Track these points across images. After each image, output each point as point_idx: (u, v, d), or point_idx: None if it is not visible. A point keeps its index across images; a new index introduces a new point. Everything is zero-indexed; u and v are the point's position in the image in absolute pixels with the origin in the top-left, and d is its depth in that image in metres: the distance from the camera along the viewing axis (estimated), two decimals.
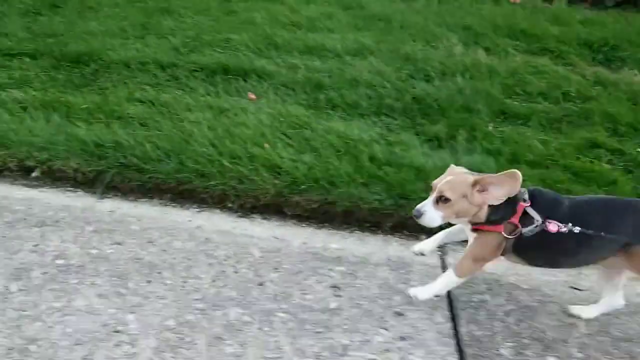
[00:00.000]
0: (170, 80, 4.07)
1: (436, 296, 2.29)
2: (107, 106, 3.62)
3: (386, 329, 2.17)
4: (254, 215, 3.09)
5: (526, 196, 2.16)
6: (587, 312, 2.33)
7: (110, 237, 2.72)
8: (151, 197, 3.22)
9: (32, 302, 2.18)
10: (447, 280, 2.25)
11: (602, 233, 2.05)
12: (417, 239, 2.91)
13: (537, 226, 2.09)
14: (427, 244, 2.46)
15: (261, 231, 2.89)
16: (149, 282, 2.36)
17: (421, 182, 3.03)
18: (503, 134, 3.54)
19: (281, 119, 3.54)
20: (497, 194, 2.10)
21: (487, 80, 4.09)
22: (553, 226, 2.07)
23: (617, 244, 2.08)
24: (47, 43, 4.64)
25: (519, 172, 2.08)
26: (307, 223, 3.01)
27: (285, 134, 3.43)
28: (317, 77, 4.07)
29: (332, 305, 2.28)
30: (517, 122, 3.72)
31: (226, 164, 3.15)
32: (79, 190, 3.27)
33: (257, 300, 2.28)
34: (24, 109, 3.68)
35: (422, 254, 2.47)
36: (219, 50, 4.55)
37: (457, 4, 5.66)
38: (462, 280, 2.24)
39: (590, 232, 2.05)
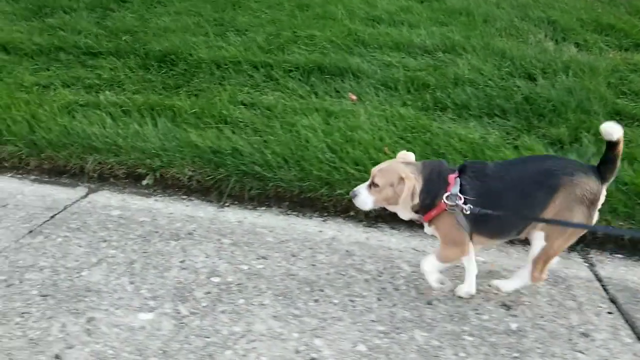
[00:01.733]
0: (267, 81, 3.92)
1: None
2: (213, 110, 3.48)
3: (582, 352, 2.07)
4: (381, 225, 2.97)
5: (454, 168, 2.23)
6: None
7: (252, 250, 2.60)
8: (269, 206, 3.12)
9: (211, 327, 2.07)
10: (431, 265, 2.28)
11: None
12: None
13: (453, 200, 2.12)
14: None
15: (397, 242, 2.77)
16: (316, 301, 2.25)
17: None
18: (626, 137, 3.41)
19: (395, 122, 3.40)
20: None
21: (592, 79, 3.94)
22: (460, 202, 2.09)
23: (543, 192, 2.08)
24: (126, 41, 4.50)
25: (397, 166, 2.20)
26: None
27: (403, 138, 3.30)
28: (418, 75, 3.92)
29: (513, 326, 2.17)
30: (634, 123, 3.59)
31: (351, 171, 3.03)
32: (193, 198, 3.15)
33: (435, 322, 2.17)
34: (125, 112, 3.56)
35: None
36: (306, 47, 4.39)
37: None
38: (446, 265, 2.29)
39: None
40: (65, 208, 2.92)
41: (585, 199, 2.07)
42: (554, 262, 2.30)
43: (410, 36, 4.53)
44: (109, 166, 3.27)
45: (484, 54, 4.27)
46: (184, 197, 3.17)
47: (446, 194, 2.13)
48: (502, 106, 3.65)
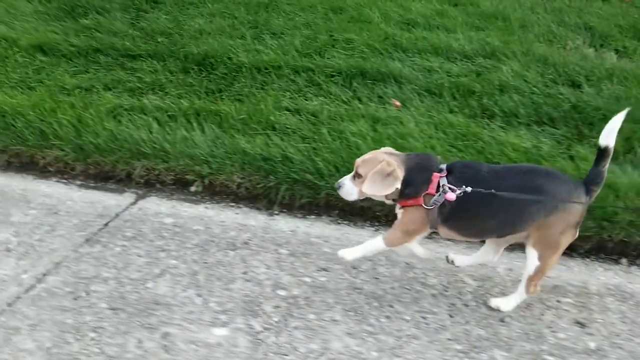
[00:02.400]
0: (309, 85, 3.85)
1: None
2: (260, 116, 3.41)
3: None
4: (434, 235, 2.90)
5: (442, 166, 2.20)
6: None
7: (311, 262, 2.53)
8: (318, 214, 3.05)
9: (288, 344, 2.01)
10: (375, 246, 2.31)
11: (493, 190, 2.05)
12: (617, 262, 2.78)
13: (440, 194, 2.12)
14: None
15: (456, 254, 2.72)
16: (388, 317, 2.18)
17: (620, 200, 2.85)
18: None
19: (445, 129, 3.34)
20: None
21: (638, 87, 3.87)
22: (450, 194, 2.09)
23: (536, 209, 2.07)
24: (162, 43, 4.43)
25: (378, 154, 2.22)
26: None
27: (454, 146, 3.22)
28: (462, 81, 3.84)
29: (591, 345, 2.11)
30: None
31: None
32: (241, 205, 3.09)
33: (512, 341, 2.10)
34: (171, 117, 3.49)
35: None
36: (344, 52, 4.31)
37: (567, 1, 5.42)
38: (387, 248, 2.31)
39: (483, 190, 2.05)
40: (117, 215, 2.87)
41: (573, 222, 2.12)
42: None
43: (449, 41, 4.45)
44: (157, 172, 3.22)
45: (525, 60, 4.18)
46: (232, 204, 3.11)
47: (426, 193, 2.14)
48: (550, 114, 3.57)
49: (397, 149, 3.18)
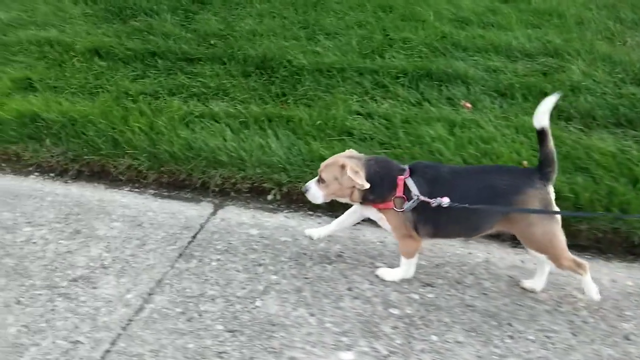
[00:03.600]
0: (375, 88, 3.71)
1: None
2: (333, 120, 3.27)
3: None
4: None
5: (405, 167, 2.24)
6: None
7: (412, 276, 2.42)
8: None
9: None
10: (407, 266, 2.34)
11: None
12: None
13: (415, 201, 2.15)
14: (320, 231, 2.53)
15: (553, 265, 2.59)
16: (511, 337, 2.05)
17: None
18: None
19: (526, 133, 3.20)
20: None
21: None
22: (445, 199, 2.10)
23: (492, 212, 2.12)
24: (216, 45, 4.29)
25: (339, 159, 2.23)
26: (590, 254, 2.71)
27: (537, 150, 3.10)
28: (531, 82, 3.68)
29: None
30: None
31: None
32: (320, 214, 2.96)
33: None
34: (242, 123, 3.36)
35: (312, 238, 2.54)
36: (404, 52, 4.16)
37: None
38: (415, 259, 2.33)
39: (458, 204, 2.06)
40: (202, 227, 2.74)
41: (542, 207, 2.12)
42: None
43: (508, 39, 4.28)
44: (233, 181, 3.10)
45: (589, 58, 4.02)
46: (311, 212, 2.97)
47: (395, 196, 2.16)
48: (627, 115, 3.41)
49: (481, 154, 3.09)
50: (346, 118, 3.30)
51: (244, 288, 2.27)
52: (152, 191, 3.14)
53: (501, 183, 2.14)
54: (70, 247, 2.49)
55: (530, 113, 3.42)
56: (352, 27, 4.58)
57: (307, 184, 2.35)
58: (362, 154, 2.35)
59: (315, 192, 2.30)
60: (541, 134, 2.11)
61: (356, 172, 2.17)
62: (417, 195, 2.12)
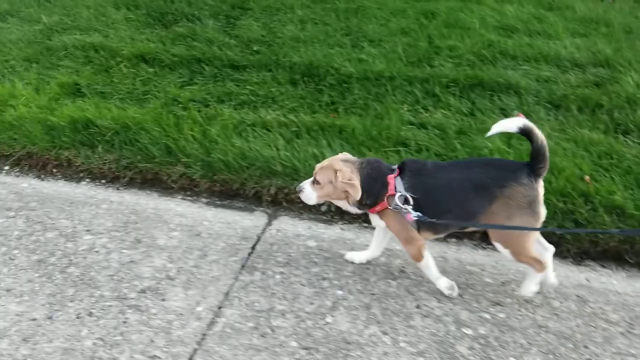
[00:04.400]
0: (426, 97, 3.68)
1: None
2: (387, 130, 3.23)
3: None
4: (589, 263, 2.70)
5: (394, 167, 2.26)
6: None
7: (479, 294, 2.33)
8: (458, 237, 2.86)
9: None
10: (424, 269, 2.34)
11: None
12: None
13: (398, 196, 2.15)
14: (361, 256, 2.54)
15: (620, 285, 2.48)
16: None
17: None
18: None
19: (586, 147, 3.13)
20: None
21: None
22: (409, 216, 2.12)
23: (479, 202, 2.10)
24: (262, 52, 4.28)
25: (334, 162, 2.24)
26: None
27: (599, 165, 3.01)
28: (586, 93, 3.61)
29: None
30: None
31: (559, 204, 2.78)
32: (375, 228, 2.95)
33: None
34: (294, 132, 3.34)
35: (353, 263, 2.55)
36: (451, 60, 4.11)
37: None
38: (425, 261, 2.31)
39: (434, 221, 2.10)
40: (259, 238, 2.74)
41: (522, 204, 2.09)
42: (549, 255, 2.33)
43: (557, 48, 4.22)
44: (287, 191, 3.09)
45: None
46: (365, 224, 2.94)
47: (388, 195, 2.18)
48: None
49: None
50: (400, 128, 3.26)
51: (312, 303, 2.25)
52: (204, 200, 3.14)
53: (485, 176, 2.13)
54: (133, 257, 2.50)
55: (587, 126, 3.40)
56: (395, 34, 4.55)
57: (301, 184, 2.36)
58: (356, 158, 2.36)
59: (309, 193, 2.31)
60: (524, 133, 2.09)
61: (350, 181, 2.17)
62: (400, 192, 2.14)
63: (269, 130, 3.32)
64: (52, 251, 2.49)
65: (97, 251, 2.52)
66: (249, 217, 2.96)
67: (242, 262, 2.51)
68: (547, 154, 2.09)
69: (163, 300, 2.22)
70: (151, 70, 4.01)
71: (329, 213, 3.02)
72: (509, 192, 2.07)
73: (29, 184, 3.18)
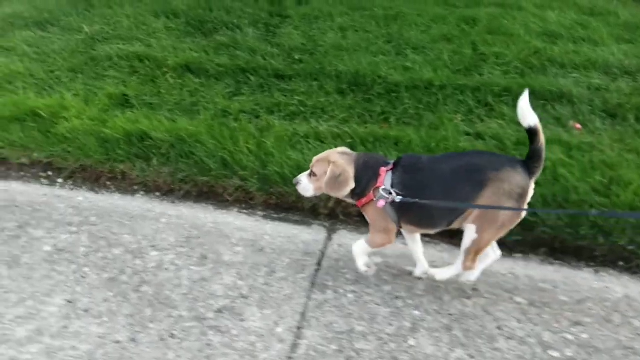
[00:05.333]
0: (479, 106, 3.60)
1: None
2: (446, 142, 3.16)
3: None
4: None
5: (390, 161, 2.27)
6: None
7: (557, 313, 2.27)
8: (524, 252, 2.79)
9: None
10: (361, 248, 2.39)
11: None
12: None
13: (382, 189, 2.18)
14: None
15: None
16: None
17: None
18: None
19: None
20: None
21: None
22: (381, 202, 2.15)
23: (470, 188, 2.10)
24: (306, 61, 4.22)
25: (330, 155, 2.28)
26: None
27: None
28: None
29: None
30: None
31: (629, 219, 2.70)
32: (437, 241, 2.85)
33: None
34: (348, 145, 3.28)
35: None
36: (498, 67, 4.03)
37: None
38: (374, 249, 2.37)
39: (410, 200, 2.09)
40: (323, 254, 2.68)
41: (513, 194, 2.08)
42: (491, 260, 2.37)
43: (604, 55, 4.12)
44: (344, 204, 3.03)
45: None
46: (427, 239, 2.87)
47: (375, 187, 2.20)
48: None
49: (609, 181, 2.96)
50: (458, 139, 3.19)
51: (391, 324, 2.19)
52: (260, 213, 3.10)
53: (481, 161, 2.15)
54: (203, 274, 2.45)
55: None
56: (438, 41, 4.47)
57: (298, 176, 2.39)
58: (354, 152, 2.38)
59: (306, 185, 2.35)
60: (531, 131, 2.08)
61: (340, 172, 2.21)
62: (385, 188, 2.16)
63: (322, 142, 3.27)
64: (122, 269, 2.46)
65: (166, 268, 2.48)
66: (308, 231, 2.91)
67: (310, 280, 2.46)
68: (544, 156, 2.11)
69: (241, 320, 2.18)
70: (197, 80, 3.97)
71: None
72: (504, 175, 2.07)
73: (84, 198, 3.15)
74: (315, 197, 3.15)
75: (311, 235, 2.86)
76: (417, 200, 2.09)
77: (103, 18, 5.03)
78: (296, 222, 3.00)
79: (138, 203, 3.13)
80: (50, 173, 3.42)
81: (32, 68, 4.26)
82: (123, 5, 5.24)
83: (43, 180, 3.36)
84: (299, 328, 2.14)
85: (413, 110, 3.60)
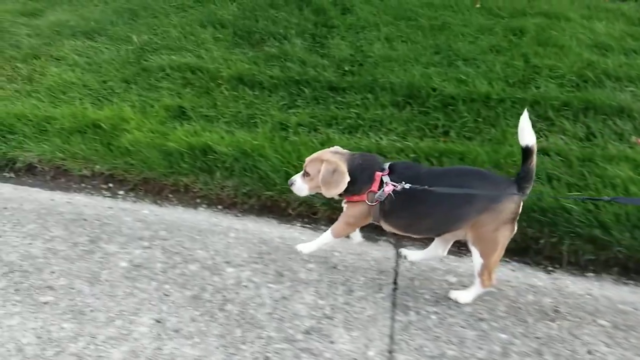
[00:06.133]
0: (539, 121, 3.54)
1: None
2: (512, 158, 3.10)
3: None
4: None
5: (385, 166, 2.29)
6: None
7: (616, 331, 2.27)
8: (596, 271, 2.74)
9: None
10: (325, 239, 2.48)
11: (427, 186, 2.13)
12: None
13: (382, 190, 2.22)
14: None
15: None
16: None
17: None
18: None
19: None
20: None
21: None
22: (389, 187, 2.20)
23: (467, 209, 2.15)
24: (358, 72, 4.19)
25: (323, 154, 2.33)
26: None
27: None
28: None
29: None
30: None
31: None
32: (508, 260, 2.81)
33: None
34: (411, 160, 3.26)
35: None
36: (552, 80, 3.98)
37: None
38: (337, 240, 2.48)
39: (418, 187, 2.13)
40: (396, 272, 2.66)
41: (508, 220, 2.16)
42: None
43: None
44: None
45: None
46: (506, 260, 2.82)
47: (369, 190, 2.24)
48: None
49: None
50: (514, 154, 3.15)
51: (480, 348, 2.15)
52: (324, 227, 3.04)
53: (481, 188, 2.16)
54: (282, 292, 2.43)
55: None
56: (487, 52, 4.42)
57: (293, 177, 2.43)
58: (347, 151, 2.42)
59: (300, 186, 2.38)
60: (526, 150, 2.11)
61: (334, 168, 2.24)
62: (388, 182, 2.18)
63: (385, 156, 3.24)
64: (202, 286, 2.45)
65: (245, 286, 2.46)
66: (376, 247, 2.87)
67: (391, 300, 2.43)
68: (534, 176, 2.16)
69: (331, 342, 2.15)
70: (251, 92, 3.96)
71: (455, 244, 2.94)
72: (502, 207, 2.13)
73: (149, 211, 3.15)
74: None
75: (380, 252, 2.83)
76: (426, 187, 2.12)
77: (149, 28, 5.04)
78: (363, 238, 2.98)
79: (203, 217, 3.12)
80: (111, 185, 3.44)
81: (84, 78, 4.29)
82: (168, 14, 5.25)
83: (104, 192, 3.38)
84: (390, 352, 2.11)
85: (472, 123, 3.55)
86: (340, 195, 2.34)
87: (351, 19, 5.02)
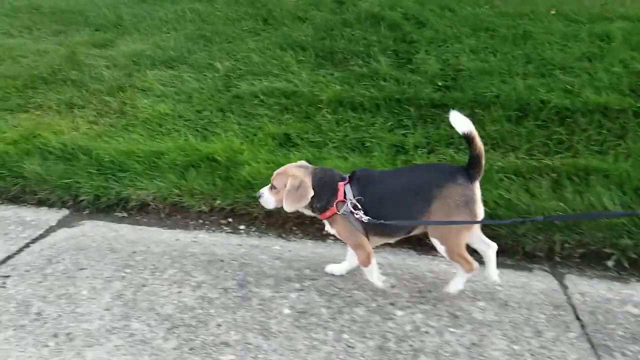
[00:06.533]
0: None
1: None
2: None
3: None
4: None
5: (345, 176, 2.29)
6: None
7: None
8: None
9: None
10: (367, 275, 2.40)
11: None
12: None
13: (347, 205, 2.20)
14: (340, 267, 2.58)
15: None
16: None
17: None
18: None
19: None
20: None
21: None
22: (347, 203, 2.20)
23: (420, 202, 2.13)
24: (454, 87, 3.88)
25: (289, 169, 2.31)
26: None
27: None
28: None
29: None
30: None
31: None
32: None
33: None
34: (550, 179, 2.98)
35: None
36: None
37: None
38: (371, 266, 2.34)
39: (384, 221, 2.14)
40: (573, 306, 2.32)
41: (459, 204, 2.11)
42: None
43: None
44: (571, 244, 2.68)
45: None
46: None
47: (337, 200, 2.21)
48: None
49: None
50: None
51: None
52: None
53: (425, 178, 2.18)
54: (469, 337, 2.12)
55: None
56: (581, 60, 4.09)
57: (260, 190, 2.40)
58: (311, 165, 2.38)
59: (268, 198, 2.35)
60: (467, 138, 2.08)
61: (299, 184, 2.21)
62: (350, 199, 2.18)
63: (524, 177, 2.94)
64: (382, 334, 2.15)
65: (426, 332, 2.16)
66: (533, 277, 2.56)
67: (586, 340, 2.11)
68: (483, 161, 2.11)
69: None
70: (354, 114, 3.68)
71: (615, 270, 2.63)
72: (447, 192, 2.11)
73: (280, 247, 2.85)
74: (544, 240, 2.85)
75: (542, 282, 2.51)
76: (382, 221, 2.12)
77: (228, 53, 4.77)
78: (514, 267, 2.68)
79: (337, 251, 2.84)
80: (230, 220, 3.17)
81: (177, 108, 4.02)
82: (243, 39, 4.99)
83: (225, 228, 3.10)
84: None
85: (598, 136, 3.25)
86: (312, 212, 2.31)
87: (429, 32, 4.72)
